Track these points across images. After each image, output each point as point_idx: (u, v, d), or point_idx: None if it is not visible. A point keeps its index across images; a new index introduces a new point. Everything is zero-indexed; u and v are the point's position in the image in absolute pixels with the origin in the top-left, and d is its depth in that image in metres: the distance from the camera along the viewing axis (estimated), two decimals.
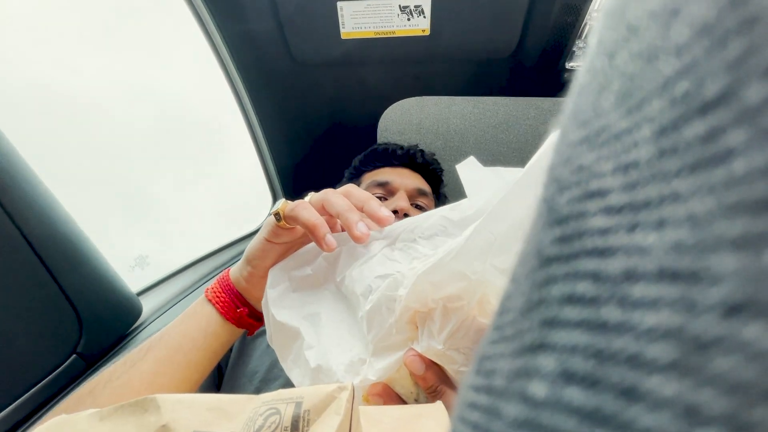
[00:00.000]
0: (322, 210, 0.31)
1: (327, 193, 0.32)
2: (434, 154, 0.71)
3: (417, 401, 0.28)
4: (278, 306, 0.31)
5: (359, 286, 0.29)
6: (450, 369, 0.26)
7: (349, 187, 0.32)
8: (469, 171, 0.29)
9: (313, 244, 0.32)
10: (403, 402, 0.28)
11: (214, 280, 0.37)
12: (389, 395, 0.27)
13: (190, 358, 0.33)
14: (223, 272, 0.37)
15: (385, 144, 0.69)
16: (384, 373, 0.27)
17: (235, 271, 0.36)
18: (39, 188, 0.40)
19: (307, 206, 0.31)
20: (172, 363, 0.33)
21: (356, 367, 0.28)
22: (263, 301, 0.31)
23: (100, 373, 0.33)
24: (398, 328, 0.27)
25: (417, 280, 0.25)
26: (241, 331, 0.36)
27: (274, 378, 0.42)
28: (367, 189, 0.59)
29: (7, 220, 0.37)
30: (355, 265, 0.30)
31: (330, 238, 0.30)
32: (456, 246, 0.24)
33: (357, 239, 0.29)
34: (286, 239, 0.33)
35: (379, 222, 0.30)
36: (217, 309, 0.35)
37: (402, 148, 0.67)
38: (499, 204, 0.23)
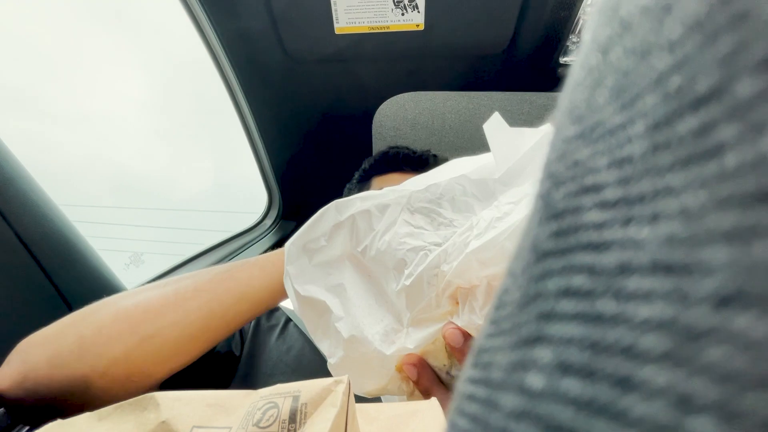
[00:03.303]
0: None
1: None
2: (447, 159, 0.70)
3: (449, 374, 0.29)
4: (300, 281, 0.31)
5: (389, 259, 0.29)
6: None
7: None
8: (494, 130, 0.29)
9: (320, 213, 0.32)
10: (436, 374, 0.29)
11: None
12: (423, 366, 0.28)
13: (255, 296, 0.36)
14: None
15: (396, 148, 0.67)
16: (421, 342, 0.28)
17: None
18: (33, 187, 0.40)
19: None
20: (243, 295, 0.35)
21: (391, 336, 0.28)
22: (284, 278, 0.31)
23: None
24: (439, 302, 0.27)
25: (465, 257, 0.25)
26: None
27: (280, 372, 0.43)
28: None
29: (1, 219, 0.36)
30: (378, 234, 0.30)
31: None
32: (509, 226, 0.24)
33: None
34: None
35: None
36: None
37: (414, 152, 0.65)
38: None
